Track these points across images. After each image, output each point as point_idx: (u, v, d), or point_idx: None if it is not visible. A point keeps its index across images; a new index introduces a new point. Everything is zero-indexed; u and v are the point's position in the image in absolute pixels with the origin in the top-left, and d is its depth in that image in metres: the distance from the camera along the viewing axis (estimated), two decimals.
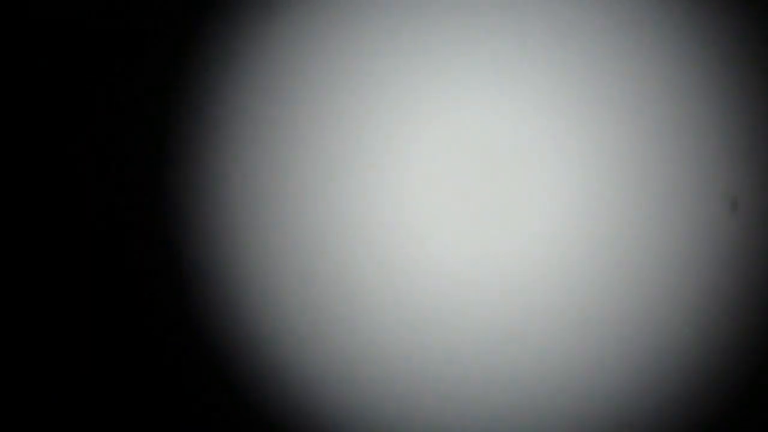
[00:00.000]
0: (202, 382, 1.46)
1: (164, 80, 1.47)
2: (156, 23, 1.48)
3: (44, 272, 1.47)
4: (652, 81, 1.42)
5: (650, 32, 1.43)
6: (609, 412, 1.42)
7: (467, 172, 1.43)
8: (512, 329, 1.42)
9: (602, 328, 1.42)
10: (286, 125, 1.46)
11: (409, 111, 1.44)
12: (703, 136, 1.42)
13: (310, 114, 1.45)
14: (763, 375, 1.41)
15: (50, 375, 1.47)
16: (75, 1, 1.44)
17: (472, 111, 1.43)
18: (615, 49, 1.43)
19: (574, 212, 1.42)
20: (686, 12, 1.43)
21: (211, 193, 1.46)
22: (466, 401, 1.43)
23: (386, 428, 1.44)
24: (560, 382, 1.42)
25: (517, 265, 1.43)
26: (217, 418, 1.47)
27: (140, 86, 1.48)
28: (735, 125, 1.42)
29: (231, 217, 1.46)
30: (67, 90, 1.48)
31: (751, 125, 1.42)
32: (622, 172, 1.42)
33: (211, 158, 1.47)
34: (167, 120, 1.47)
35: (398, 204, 1.44)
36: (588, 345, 1.41)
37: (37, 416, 1.47)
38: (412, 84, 1.44)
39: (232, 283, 1.46)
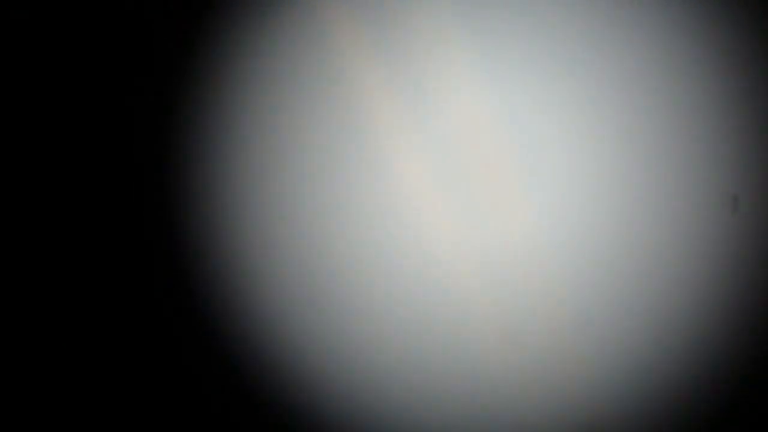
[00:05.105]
0: (203, 381, 1.46)
1: (166, 79, 1.48)
2: (158, 22, 1.48)
3: (46, 273, 1.47)
4: (652, 80, 1.42)
5: (650, 32, 1.43)
6: (608, 411, 1.42)
7: (469, 168, 1.43)
8: (512, 327, 1.42)
9: (601, 327, 1.42)
10: (287, 123, 1.46)
11: (408, 108, 1.44)
12: (703, 135, 1.42)
13: (311, 111, 1.45)
14: (763, 375, 1.41)
15: (52, 375, 1.47)
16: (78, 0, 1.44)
17: (475, 108, 1.43)
18: (615, 48, 1.43)
19: (573, 212, 1.42)
20: (686, 11, 1.43)
21: (213, 192, 1.46)
22: (468, 398, 1.43)
23: (387, 425, 1.44)
24: (559, 380, 1.42)
25: (516, 264, 1.43)
26: (218, 416, 1.47)
27: (141, 85, 1.48)
28: (735, 125, 1.42)
29: (233, 215, 1.46)
30: (69, 90, 1.48)
31: (751, 125, 1.42)
32: (623, 171, 1.42)
33: (212, 157, 1.47)
34: (168, 119, 1.47)
35: (399, 200, 1.44)
36: (587, 343, 1.42)
37: (40, 416, 1.47)
38: (411, 81, 1.44)
39: (235, 281, 1.46)
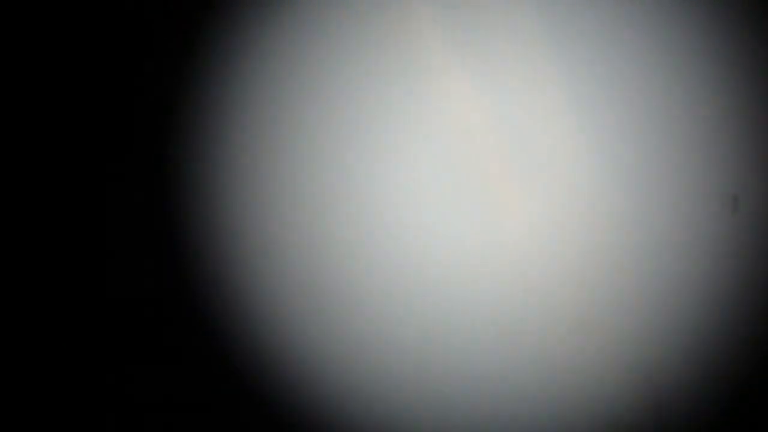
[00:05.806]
0: (204, 381, 1.46)
1: (166, 79, 1.48)
2: (158, 22, 1.48)
3: (46, 273, 1.47)
4: (652, 80, 1.42)
5: (650, 31, 1.43)
6: (608, 411, 1.42)
7: (468, 168, 1.43)
8: (512, 327, 1.42)
9: (601, 327, 1.42)
10: (290, 124, 1.46)
11: (410, 108, 1.44)
12: (703, 135, 1.42)
13: (313, 112, 1.45)
14: (764, 375, 1.41)
15: (51, 375, 1.47)
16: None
17: (478, 108, 1.43)
18: (615, 48, 1.43)
19: (573, 212, 1.42)
20: (687, 11, 1.43)
21: (215, 193, 1.46)
22: (468, 399, 1.43)
23: (387, 425, 1.44)
24: (559, 379, 1.42)
25: (516, 264, 1.43)
26: (218, 416, 1.47)
27: (141, 85, 1.48)
28: (736, 125, 1.42)
29: (235, 215, 1.46)
30: (69, 90, 1.48)
31: (751, 125, 1.42)
32: (623, 171, 1.42)
33: (214, 158, 1.47)
34: (170, 119, 1.47)
35: (399, 201, 1.44)
36: (587, 343, 1.42)
37: (41, 416, 1.47)
38: (413, 81, 1.44)
39: (235, 281, 1.46)
